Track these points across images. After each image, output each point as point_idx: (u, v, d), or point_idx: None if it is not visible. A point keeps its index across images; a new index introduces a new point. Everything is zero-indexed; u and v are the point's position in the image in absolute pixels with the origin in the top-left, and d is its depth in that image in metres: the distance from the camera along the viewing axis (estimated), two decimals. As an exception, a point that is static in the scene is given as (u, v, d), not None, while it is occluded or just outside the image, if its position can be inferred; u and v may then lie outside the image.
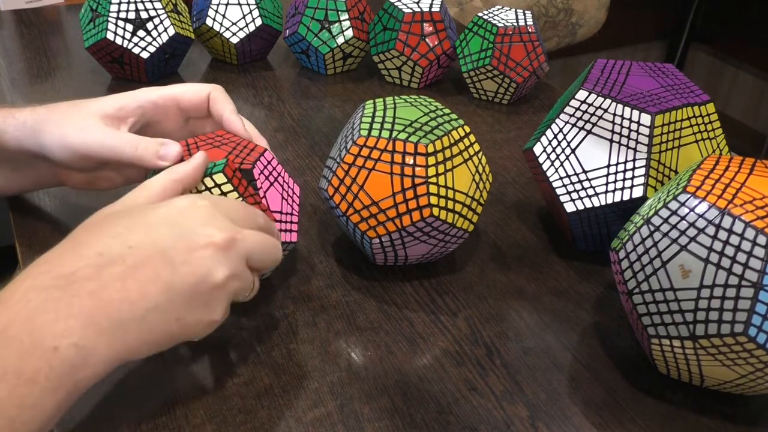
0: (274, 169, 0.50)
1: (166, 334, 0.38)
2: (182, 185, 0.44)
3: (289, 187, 0.52)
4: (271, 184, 0.49)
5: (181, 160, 0.49)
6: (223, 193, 0.46)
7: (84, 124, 0.50)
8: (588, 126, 0.53)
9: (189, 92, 0.54)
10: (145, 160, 0.49)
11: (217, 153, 0.49)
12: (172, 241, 0.38)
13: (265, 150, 0.50)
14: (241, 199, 0.46)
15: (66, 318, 0.35)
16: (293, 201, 0.52)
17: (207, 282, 0.39)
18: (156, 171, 0.48)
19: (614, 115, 0.52)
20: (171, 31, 0.77)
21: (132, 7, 0.76)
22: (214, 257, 0.39)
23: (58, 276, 0.36)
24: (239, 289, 0.41)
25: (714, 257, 0.39)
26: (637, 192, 0.51)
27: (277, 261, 0.45)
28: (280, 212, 0.49)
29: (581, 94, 0.53)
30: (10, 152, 0.53)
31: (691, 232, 0.40)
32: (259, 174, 0.48)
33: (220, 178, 0.46)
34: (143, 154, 0.49)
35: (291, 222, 0.50)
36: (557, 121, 0.54)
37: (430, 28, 0.81)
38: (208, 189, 0.46)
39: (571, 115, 0.54)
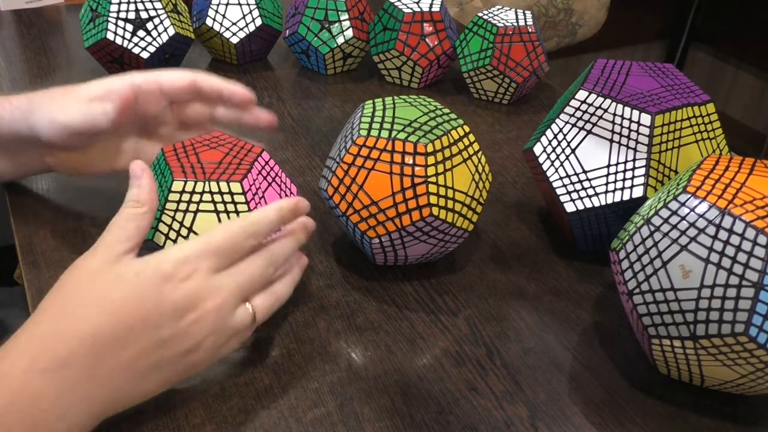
0: (272, 169, 0.50)
1: (150, 394, 0.41)
2: (152, 213, 0.43)
3: (286, 186, 0.52)
4: (269, 184, 0.49)
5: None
6: (235, 204, 0.46)
7: (69, 104, 0.53)
8: (588, 126, 0.53)
9: (171, 77, 0.55)
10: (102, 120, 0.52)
11: (214, 154, 0.49)
12: (163, 318, 0.39)
13: (262, 150, 0.50)
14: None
15: (64, 403, 0.36)
16: None
17: (194, 351, 0.41)
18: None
19: (614, 115, 0.52)
20: (171, 31, 0.77)
21: (132, 7, 0.76)
22: (202, 329, 0.40)
23: (51, 359, 0.36)
24: (232, 338, 0.43)
25: (714, 257, 0.39)
26: (637, 192, 0.51)
27: (279, 262, 0.45)
28: None
29: (581, 94, 0.53)
30: (4, 137, 0.55)
31: (692, 232, 0.40)
32: (257, 174, 0.48)
33: (236, 187, 0.46)
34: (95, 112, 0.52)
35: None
36: (557, 121, 0.54)
37: (430, 28, 0.81)
38: (222, 194, 0.46)
39: (571, 115, 0.54)
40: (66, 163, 0.57)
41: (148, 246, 0.47)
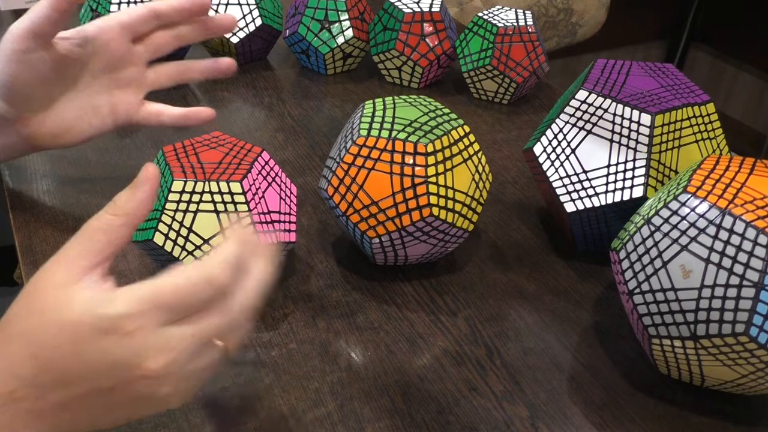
0: (272, 169, 0.50)
1: (114, 426, 0.37)
2: (131, 228, 0.37)
3: (286, 186, 0.52)
4: (269, 184, 0.49)
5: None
6: (235, 204, 0.46)
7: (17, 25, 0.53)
8: (588, 126, 0.53)
9: (128, 10, 0.56)
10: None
11: (214, 154, 0.49)
12: (104, 373, 0.35)
13: (262, 150, 0.50)
14: (249, 214, 0.46)
15: None
16: (291, 201, 0.52)
17: (150, 398, 0.36)
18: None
19: (614, 115, 0.51)
20: (171, 31, 0.77)
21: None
22: (151, 385, 0.35)
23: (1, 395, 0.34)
24: (199, 378, 0.37)
25: (715, 257, 0.39)
26: (637, 192, 0.51)
27: (251, 299, 0.38)
28: (279, 212, 0.49)
29: (581, 94, 0.53)
30: None
31: (692, 232, 0.40)
32: (257, 174, 0.48)
33: (236, 187, 0.46)
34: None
35: (289, 222, 0.50)
36: (557, 121, 0.54)
37: (430, 28, 0.81)
38: (221, 194, 0.46)
39: (571, 115, 0.54)
40: (42, 130, 0.55)
41: (147, 246, 0.47)
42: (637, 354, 0.49)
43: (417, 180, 0.48)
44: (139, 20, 0.55)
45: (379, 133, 0.49)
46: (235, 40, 0.83)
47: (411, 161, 0.48)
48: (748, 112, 2.27)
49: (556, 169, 0.54)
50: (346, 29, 0.84)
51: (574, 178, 0.53)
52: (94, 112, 0.56)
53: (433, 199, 0.48)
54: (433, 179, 0.48)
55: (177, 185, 0.46)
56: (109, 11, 0.75)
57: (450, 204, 0.49)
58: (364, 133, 0.49)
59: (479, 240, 0.60)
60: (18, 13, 0.99)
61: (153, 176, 0.37)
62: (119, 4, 0.75)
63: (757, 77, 2.21)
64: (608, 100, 0.52)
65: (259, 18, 0.83)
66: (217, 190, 0.46)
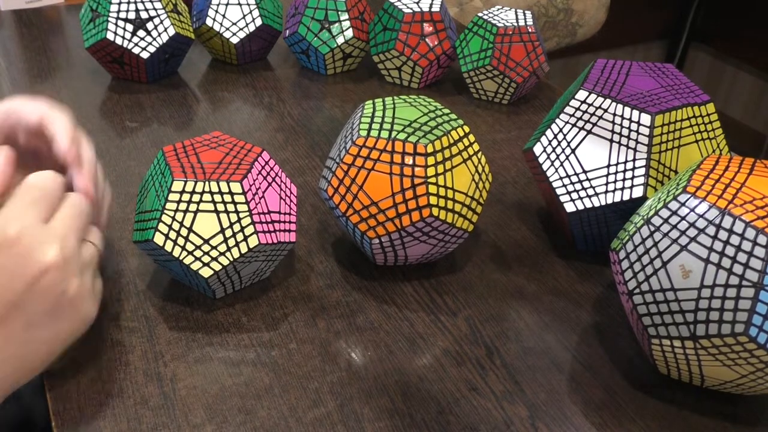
0: (272, 169, 0.50)
1: (51, 350, 0.40)
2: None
3: (286, 186, 0.52)
4: (269, 184, 0.49)
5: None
6: (235, 203, 0.46)
7: None
8: (588, 126, 0.53)
9: (27, 107, 0.49)
10: None
11: (214, 154, 0.49)
12: (7, 284, 0.38)
13: (262, 150, 0.50)
14: (249, 214, 0.46)
15: None
16: (291, 201, 0.52)
17: (63, 301, 0.39)
18: None
19: (614, 115, 0.52)
20: (171, 31, 0.77)
21: (132, 7, 0.76)
22: (57, 277, 0.39)
23: None
24: (94, 272, 0.43)
25: (714, 257, 0.39)
26: (637, 192, 0.51)
27: (87, 207, 0.45)
28: (279, 212, 0.49)
29: (581, 94, 0.53)
30: None
31: (692, 232, 0.40)
32: (257, 174, 0.48)
33: (236, 187, 0.46)
34: None
35: (289, 222, 0.50)
36: (557, 121, 0.54)
37: (430, 28, 0.81)
38: (222, 194, 0.46)
39: (571, 115, 0.54)
40: None
41: (148, 246, 0.47)
42: (637, 354, 0.49)
43: (417, 180, 0.48)
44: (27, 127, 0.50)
45: (379, 134, 0.49)
46: (235, 40, 0.83)
47: (411, 161, 0.48)
48: (748, 112, 2.27)
49: (556, 169, 0.54)
50: (346, 29, 0.84)
51: (574, 178, 0.53)
52: None
53: (433, 200, 0.48)
54: (433, 179, 0.48)
55: (177, 185, 0.46)
56: (108, 11, 0.75)
57: (450, 204, 0.49)
58: (363, 133, 0.49)
59: (479, 240, 0.60)
60: (18, 13, 0.99)
61: (9, 152, 0.44)
62: (119, 3, 0.75)
63: (757, 77, 2.21)
64: (608, 100, 0.52)
65: (259, 18, 0.83)
66: (217, 190, 0.46)
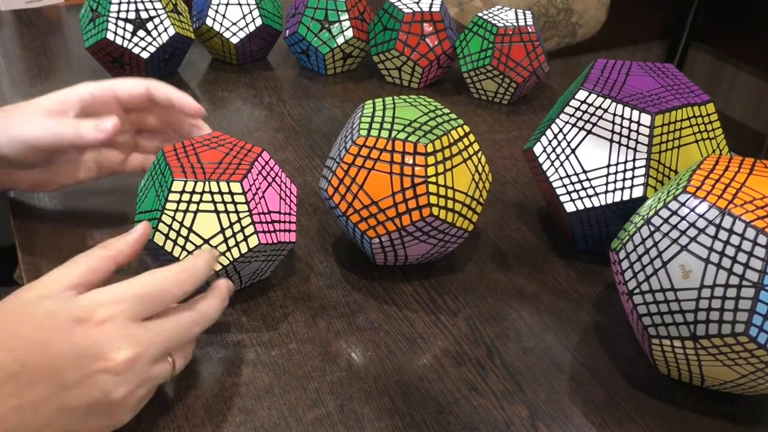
0: (272, 169, 0.50)
1: None
2: (115, 262, 0.42)
3: (286, 186, 0.52)
4: (269, 184, 0.49)
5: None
6: (235, 203, 0.46)
7: (28, 118, 0.52)
8: (588, 126, 0.53)
9: (126, 85, 0.56)
10: (86, 136, 0.52)
11: (215, 154, 0.49)
12: (66, 362, 0.36)
13: (262, 150, 0.50)
14: (249, 214, 0.46)
15: None
16: (291, 201, 0.52)
17: (104, 402, 0.37)
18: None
19: (614, 115, 0.52)
20: (171, 31, 0.77)
21: (132, 7, 0.76)
22: (111, 380, 0.37)
23: None
24: (149, 390, 0.40)
25: (714, 257, 0.39)
26: (637, 192, 0.51)
27: (199, 331, 0.42)
28: (279, 212, 0.49)
29: (581, 94, 0.53)
30: None
31: (692, 232, 0.40)
32: (257, 174, 0.48)
33: (236, 187, 0.46)
34: (84, 131, 0.52)
35: (289, 222, 0.50)
36: (557, 121, 0.54)
37: (430, 28, 0.81)
38: (222, 194, 0.46)
39: (571, 115, 0.54)
40: (27, 179, 0.56)
41: (148, 246, 0.47)
42: (637, 354, 0.49)
43: (417, 180, 0.48)
44: (136, 98, 0.56)
45: (379, 133, 0.49)
46: (235, 40, 0.83)
47: (411, 161, 0.48)
48: (748, 112, 2.27)
49: (556, 169, 0.54)
50: (346, 29, 0.84)
51: (574, 178, 0.53)
52: (81, 165, 0.57)
53: (433, 199, 0.48)
54: (433, 179, 0.48)
55: (177, 185, 0.46)
56: (108, 11, 0.75)
57: (450, 204, 0.49)
58: (364, 133, 0.49)
59: (479, 240, 0.60)
60: (18, 13, 0.99)
61: (145, 228, 0.45)
62: (119, 3, 0.75)
63: (757, 77, 2.21)
64: (608, 100, 0.52)
65: (259, 18, 0.83)
66: (217, 190, 0.46)
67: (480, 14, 0.80)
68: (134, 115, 0.58)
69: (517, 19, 0.79)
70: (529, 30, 0.77)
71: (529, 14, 0.80)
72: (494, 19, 0.79)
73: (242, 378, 0.45)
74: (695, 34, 2.34)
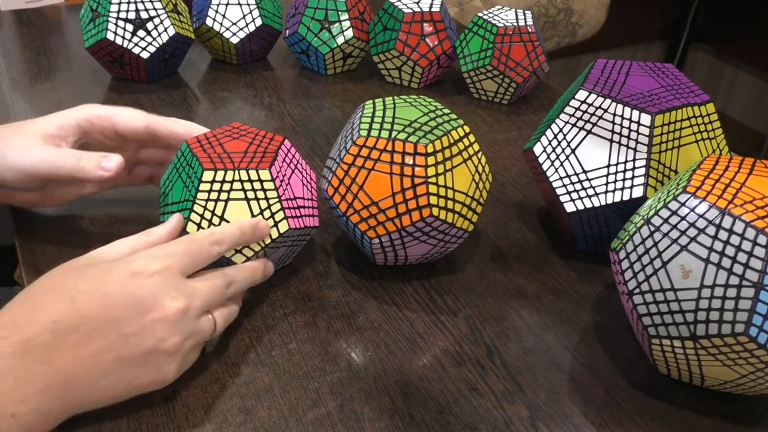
0: (294, 156, 0.52)
1: (117, 395, 0.41)
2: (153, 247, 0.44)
3: (307, 173, 0.53)
4: (293, 171, 0.51)
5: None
6: (264, 191, 0.47)
7: (25, 144, 0.51)
8: (588, 126, 0.53)
9: (126, 118, 0.54)
10: (87, 171, 0.51)
11: (239, 144, 0.50)
12: (124, 311, 0.39)
13: (284, 139, 0.51)
14: (278, 200, 0.48)
15: (24, 385, 0.36)
16: (312, 186, 0.53)
17: (158, 350, 0.40)
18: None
19: (614, 115, 0.52)
20: (171, 31, 0.77)
21: (132, 7, 0.76)
22: (165, 328, 0.40)
23: (15, 343, 0.37)
24: (196, 345, 0.43)
25: (714, 257, 0.39)
26: (637, 192, 0.51)
27: (250, 283, 0.47)
28: (303, 198, 0.51)
29: (581, 94, 0.53)
30: None
31: (692, 232, 0.40)
32: (282, 162, 0.49)
33: (265, 175, 0.47)
34: (85, 166, 0.51)
35: (312, 207, 0.52)
36: (557, 121, 0.54)
37: (430, 28, 0.81)
38: (251, 181, 0.47)
39: (571, 115, 0.54)
40: (24, 199, 0.56)
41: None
42: (637, 354, 0.49)
43: (417, 180, 0.48)
44: (136, 133, 0.55)
45: (379, 134, 0.49)
46: (235, 40, 0.83)
47: (411, 161, 0.48)
48: (748, 112, 2.27)
49: (556, 169, 0.54)
50: (346, 29, 0.84)
51: (574, 178, 0.53)
52: (81, 184, 0.56)
53: (433, 200, 0.48)
54: (433, 179, 0.48)
55: (207, 175, 0.47)
56: (108, 11, 0.75)
57: (450, 204, 0.49)
58: (364, 133, 0.49)
59: (479, 240, 0.60)
60: (18, 13, 0.99)
61: (179, 218, 0.47)
62: (119, 3, 0.75)
63: (757, 77, 2.21)
64: (608, 100, 0.52)
65: (259, 18, 0.83)
66: (247, 178, 0.47)
67: (480, 14, 0.80)
68: (133, 147, 0.57)
69: (517, 19, 0.79)
70: (529, 30, 0.77)
71: (529, 14, 0.80)
72: (494, 19, 0.79)
73: (242, 378, 0.45)
74: (695, 34, 2.34)
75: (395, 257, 0.53)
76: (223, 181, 0.47)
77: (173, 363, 0.41)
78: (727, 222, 0.39)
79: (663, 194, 0.44)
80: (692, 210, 0.41)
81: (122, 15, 0.76)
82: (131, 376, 0.40)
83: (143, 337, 0.40)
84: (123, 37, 0.76)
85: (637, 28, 2.27)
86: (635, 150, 0.51)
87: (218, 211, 0.47)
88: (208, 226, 0.47)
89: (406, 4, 0.81)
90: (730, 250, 0.39)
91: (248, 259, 0.48)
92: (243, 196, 0.47)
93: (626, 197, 0.51)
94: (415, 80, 0.84)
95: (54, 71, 0.84)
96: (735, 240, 0.39)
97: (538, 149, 0.55)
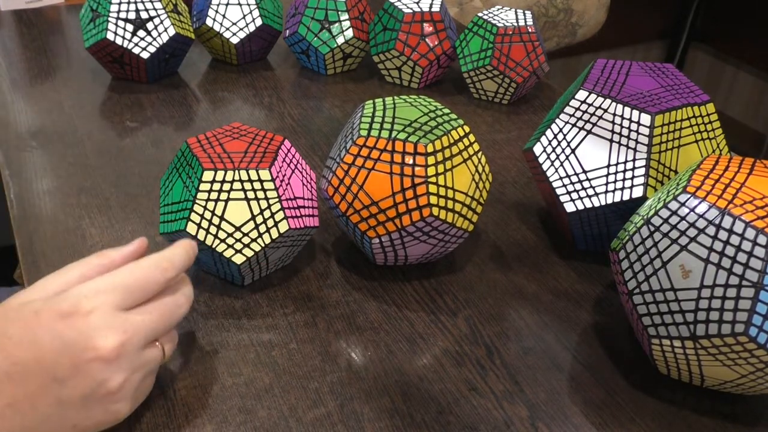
0: (294, 156, 0.52)
1: None
2: (107, 271, 0.42)
3: (307, 173, 0.53)
4: (293, 171, 0.51)
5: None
6: (264, 191, 0.47)
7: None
8: (588, 126, 0.53)
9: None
10: None
11: (239, 144, 0.50)
12: (56, 356, 0.37)
13: (284, 139, 0.51)
14: (278, 200, 0.48)
15: None
16: (312, 186, 0.53)
17: (100, 392, 0.38)
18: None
19: (614, 115, 0.52)
20: (171, 31, 0.77)
21: (132, 7, 0.76)
22: (103, 369, 0.37)
23: None
24: (146, 375, 0.41)
25: (714, 257, 0.39)
26: (637, 192, 0.51)
27: (184, 312, 0.43)
28: (303, 198, 0.51)
29: (581, 94, 0.53)
30: None
31: (692, 232, 0.40)
32: (282, 162, 0.50)
33: (265, 175, 0.47)
34: None
35: (312, 207, 0.52)
36: (557, 121, 0.54)
37: (430, 28, 0.81)
38: (251, 182, 0.47)
39: (571, 115, 0.54)
40: None
41: (179, 236, 0.47)
42: (637, 354, 0.49)
43: (417, 180, 0.48)
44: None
45: (379, 133, 0.49)
46: (235, 40, 0.83)
47: (411, 161, 0.48)
48: (748, 112, 2.27)
49: (556, 169, 0.54)
50: (346, 29, 0.84)
51: (574, 178, 0.53)
52: None
53: (433, 200, 0.48)
54: (433, 179, 0.48)
55: (207, 175, 0.47)
56: (108, 11, 0.75)
57: (450, 204, 0.49)
58: (364, 133, 0.49)
59: (479, 240, 0.60)
60: (18, 13, 0.99)
61: (141, 243, 0.43)
62: (119, 3, 0.75)
63: (757, 77, 2.21)
64: (608, 100, 0.52)
65: (259, 18, 0.83)
66: (246, 178, 0.47)
67: (480, 14, 0.80)
68: None
69: (517, 19, 0.79)
70: (529, 30, 0.77)
71: (529, 14, 0.80)
72: (494, 19, 0.79)
73: (242, 378, 0.45)
74: (695, 34, 2.34)
75: (395, 257, 0.53)
76: (223, 181, 0.47)
77: (121, 401, 0.39)
78: (727, 222, 0.39)
79: (663, 194, 0.44)
80: (692, 210, 0.41)
81: (122, 15, 0.76)
82: (76, 419, 0.38)
83: (80, 379, 0.37)
84: (123, 37, 0.76)
85: (637, 28, 2.27)
86: (635, 150, 0.51)
87: (218, 211, 0.47)
88: (208, 226, 0.47)
89: (406, 4, 0.81)
90: (730, 250, 0.39)
91: (248, 259, 0.48)
92: (243, 196, 0.47)
93: (626, 197, 0.51)
94: (415, 80, 0.84)
95: (54, 71, 0.84)
96: (735, 240, 0.39)
97: (538, 149, 0.55)
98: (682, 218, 0.41)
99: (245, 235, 0.47)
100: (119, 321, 0.38)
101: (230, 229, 0.47)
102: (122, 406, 0.39)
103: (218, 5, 0.83)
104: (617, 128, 0.52)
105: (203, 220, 0.47)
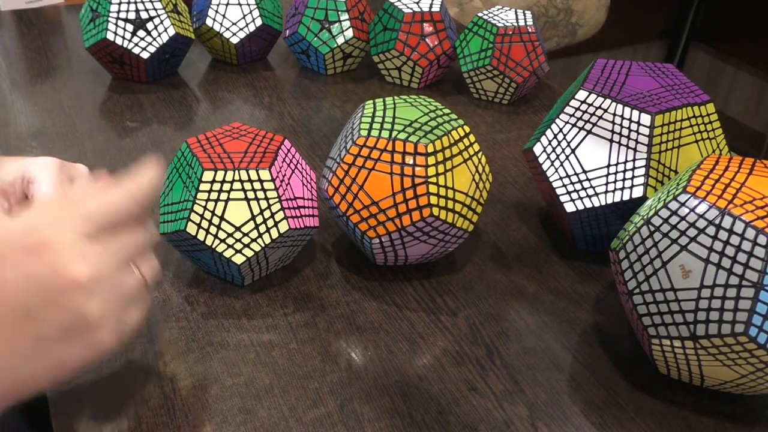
0: (294, 156, 0.52)
1: (52, 376, 0.37)
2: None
3: (307, 173, 0.53)
4: (293, 171, 0.51)
5: None
6: (264, 191, 0.47)
7: None
8: (588, 126, 0.53)
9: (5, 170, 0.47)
10: None
11: (239, 144, 0.50)
12: (26, 294, 0.35)
13: (284, 139, 0.51)
14: (278, 200, 0.48)
15: None
16: (312, 186, 0.53)
17: (80, 322, 0.36)
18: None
19: (614, 115, 0.52)
20: (171, 31, 0.77)
21: (132, 7, 0.76)
22: (78, 297, 0.35)
23: None
24: (128, 302, 0.38)
25: (714, 257, 0.39)
26: (637, 192, 0.51)
27: (155, 235, 0.41)
28: (303, 198, 0.51)
29: (581, 94, 0.53)
30: None
31: (692, 232, 0.40)
32: (282, 162, 0.50)
33: (265, 175, 0.47)
34: None
35: (312, 207, 0.52)
36: (557, 121, 0.54)
37: (430, 28, 0.81)
38: (251, 182, 0.47)
39: (571, 115, 0.54)
40: None
41: (178, 236, 0.47)
42: (637, 354, 0.49)
43: (417, 180, 0.48)
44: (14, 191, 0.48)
45: (380, 134, 0.49)
46: (235, 40, 0.83)
47: (411, 161, 0.48)
48: (748, 112, 2.27)
49: (556, 169, 0.54)
50: (346, 29, 0.84)
51: (574, 178, 0.53)
52: None
53: (433, 200, 0.48)
54: (434, 179, 0.48)
55: (207, 175, 0.47)
56: (108, 11, 0.75)
57: (450, 204, 0.49)
58: (364, 133, 0.49)
59: (479, 240, 0.60)
60: (18, 13, 0.99)
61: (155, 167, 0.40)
62: (119, 3, 0.75)
63: (757, 77, 2.21)
64: (608, 100, 0.52)
65: (259, 18, 0.83)
66: (246, 178, 0.47)
67: (480, 14, 0.80)
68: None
69: (517, 19, 0.79)
70: (529, 30, 0.77)
71: (529, 14, 0.80)
72: (494, 19, 0.79)
73: (242, 378, 0.45)
74: (695, 34, 2.34)
75: (395, 257, 0.53)
76: (223, 181, 0.47)
77: (103, 332, 0.37)
78: (727, 222, 0.39)
79: (663, 194, 0.44)
80: (692, 210, 0.41)
81: (122, 15, 0.76)
82: (58, 355, 0.36)
83: (56, 313, 0.35)
84: (123, 37, 0.76)
85: (637, 28, 2.27)
86: (635, 150, 0.51)
87: (218, 211, 0.47)
88: (208, 226, 0.47)
89: (406, 4, 0.81)
90: (730, 250, 0.39)
91: (248, 259, 0.48)
92: (243, 196, 0.47)
93: (626, 197, 0.51)
94: (415, 80, 0.84)
95: (54, 71, 0.84)
96: (735, 240, 0.39)
97: (538, 149, 0.55)
98: (682, 218, 0.41)
99: (245, 235, 0.48)
100: (87, 248, 0.36)
101: (230, 229, 0.47)
102: (105, 337, 0.37)
103: (218, 5, 0.83)
104: (617, 128, 0.52)
105: (203, 220, 0.47)
